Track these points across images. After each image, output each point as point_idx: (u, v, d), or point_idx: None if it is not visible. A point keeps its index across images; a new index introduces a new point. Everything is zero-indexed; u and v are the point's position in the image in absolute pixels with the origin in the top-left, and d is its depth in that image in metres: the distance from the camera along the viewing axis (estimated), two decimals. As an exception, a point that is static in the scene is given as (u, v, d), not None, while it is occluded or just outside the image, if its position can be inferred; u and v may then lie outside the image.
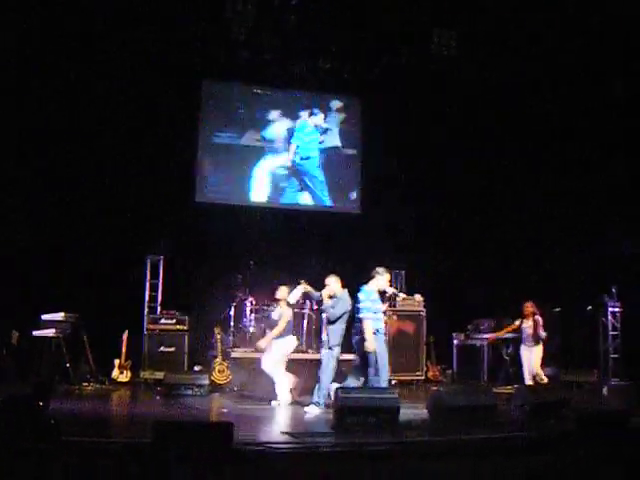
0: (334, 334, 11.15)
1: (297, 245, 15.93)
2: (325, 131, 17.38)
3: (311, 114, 17.26)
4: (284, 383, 11.69)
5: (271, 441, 8.57)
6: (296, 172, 17.11)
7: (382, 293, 11.48)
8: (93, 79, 14.74)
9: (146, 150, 15.17)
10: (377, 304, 11.09)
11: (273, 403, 11.47)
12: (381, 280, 11.20)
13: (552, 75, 15.53)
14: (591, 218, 15.38)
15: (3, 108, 13.71)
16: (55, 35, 14.00)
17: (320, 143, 17.34)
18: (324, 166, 17.29)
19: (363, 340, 10.69)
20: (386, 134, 16.75)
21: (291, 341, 12.07)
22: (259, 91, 16.94)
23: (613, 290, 14.69)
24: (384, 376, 10.86)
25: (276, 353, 11.79)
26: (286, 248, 15.69)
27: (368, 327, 10.67)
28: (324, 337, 11.73)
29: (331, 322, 11.23)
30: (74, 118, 14.64)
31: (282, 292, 12.17)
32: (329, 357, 11.12)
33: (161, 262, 15.08)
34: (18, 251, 13.82)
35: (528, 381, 12.72)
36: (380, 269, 11.22)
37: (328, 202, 17.26)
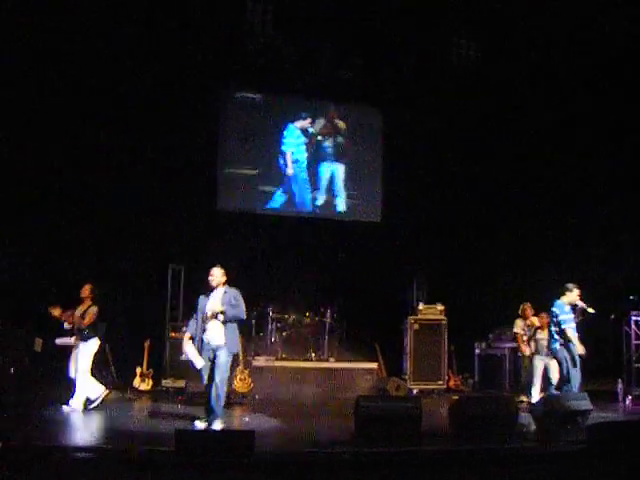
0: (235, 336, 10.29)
1: (317, 254, 15.90)
2: (343, 139, 17.45)
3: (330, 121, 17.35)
4: (88, 389, 11.18)
5: (292, 450, 8.59)
6: (314, 180, 17.18)
7: (573, 307, 11.92)
8: (115, 88, 14.81)
9: (168, 159, 15.26)
10: (570, 316, 11.70)
11: (65, 408, 10.94)
12: (571, 295, 11.82)
13: (573, 82, 15.52)
14: (614, 224, 15.36)
15: (32, 119, 13.90)
16: (77, 40, 14.12)
17: (340, 151, 17.38)
18: (344, 175, 17.33)
19: (563, 346, 11.46)
20: (407, 143, 16.75)
21: (95, 344, 11.39)
22: (279, 100, 17.04)
23: (636, 299, 14.59)
24: (575, 383, 11.35)
25: (82, 357, 11.26)
26: (304, 257, 15.69)
27: (573, 335, 11.47)
28: (222, 339, 9.96)
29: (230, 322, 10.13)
30: (98, 127, 14.72)
31: (85, 290, 11.58)
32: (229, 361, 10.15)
33: (183, 271, 15.12)
34: (42, 259, 13.93)
35: (536, 392, 12.68)
36: (570, 285, 11.85)
37: (346, 210, 17.32)
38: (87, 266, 14.27)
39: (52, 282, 13.79)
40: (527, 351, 13.38)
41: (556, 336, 11.65)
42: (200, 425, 9.60)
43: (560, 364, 11.61)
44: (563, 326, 11.53)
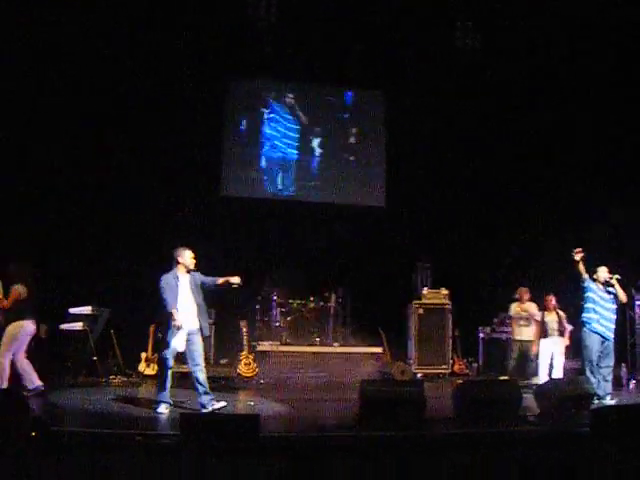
0: None
1: (321, 239, 15.90)
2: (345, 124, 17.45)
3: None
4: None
5: (297, 434, 8.63)
6: (319, 166, 17.18)
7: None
8: (120, 75, 14.82)
9: (173, 145, 15.27)
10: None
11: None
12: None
13: (578, 65, 15.52)
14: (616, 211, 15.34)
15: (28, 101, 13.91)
16: (81, 31, 14.12)
17: (342, 137, 17.39)
18: (347, 160, 17.34)
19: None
20: (410, 127, 16.73)
21: (26, 325, 10.48)
22: (282, 86, 17.04)
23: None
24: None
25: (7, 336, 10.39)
26: (309, 242, 15.71)
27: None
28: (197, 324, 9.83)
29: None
30: (102, 113, 14.75)
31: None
32: None
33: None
34: (48, 245, 13.96)
35: (544, 375, 12.67)
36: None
37: (350, 195, 17.30)
38: (92, 251, 14.34)
39: (57, 267, 13.83)
40: (518, 335, 13.56)
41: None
42: (219, 404, 9.63)
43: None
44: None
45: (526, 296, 13.68)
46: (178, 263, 9.89)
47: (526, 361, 13.44)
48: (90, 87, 14.57)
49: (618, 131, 15.58)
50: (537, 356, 12.95)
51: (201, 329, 9.80)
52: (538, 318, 13.14)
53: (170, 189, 15.21)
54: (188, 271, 9.89)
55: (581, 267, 11.44)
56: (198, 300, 9.85)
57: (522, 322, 13.71)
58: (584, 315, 11.47)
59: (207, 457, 6.58)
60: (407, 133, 16.82)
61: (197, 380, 9.64)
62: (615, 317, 11.55)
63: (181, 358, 10.05)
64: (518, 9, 14.76)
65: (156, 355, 13.67)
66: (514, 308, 13.81)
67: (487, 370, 15.17)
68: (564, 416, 9.69)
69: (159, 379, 9.81)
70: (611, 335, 11.43)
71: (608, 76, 15.31)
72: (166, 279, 9.76)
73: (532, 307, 13.55)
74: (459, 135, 16.84)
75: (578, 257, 11.35)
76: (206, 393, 9.65)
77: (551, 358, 12.77)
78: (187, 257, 9.92)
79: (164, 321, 9.71)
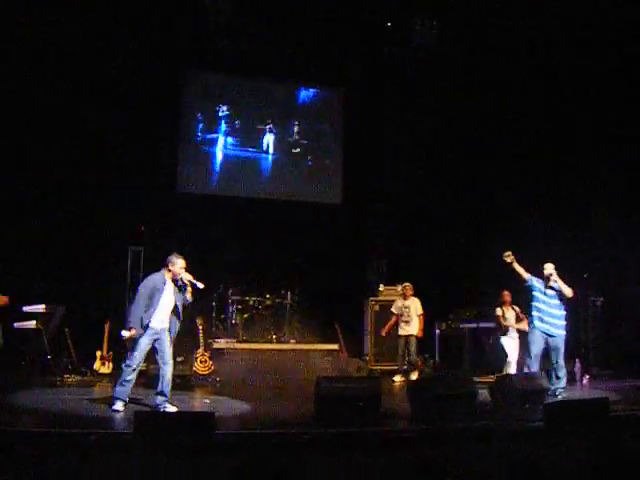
0: None
1: (277, 236, 15.88)
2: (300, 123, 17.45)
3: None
4: None
5: (253, 432, 8.61)
6: (274, 163, 17.16)
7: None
8: (73, 68, 14.62)
9: (127, 140, 15.14)
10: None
11: None
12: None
13: (535, 64, 15.63)
14: (571, 202, 15.57)
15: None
16: (31, 22, 13.92)
17: (298, 134, 17.37)
18: (303, 158, 17.35)
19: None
20: (368, 125, 16.79)
21: None
22: (238, 82, 16.97)
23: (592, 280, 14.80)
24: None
25: None
26: (265, 239, 15.68)
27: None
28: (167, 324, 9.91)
29: None
30: (53, 108, 14.54)
31: None
32: None
33: (142, 253, 15.03)
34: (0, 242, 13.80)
35: (512, 370, 12.78)
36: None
37: (306, 191, 17.28)
38: (45, 248, 14.17)
39: (9, 265, 13.65)
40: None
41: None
42: (172, 408, 9.55)
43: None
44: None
45: (508, 299, 13.58)
46: (168, 270, 9.87)
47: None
48: (42, 81, 14.35)
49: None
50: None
51: (170, 329, 9.81)
52: (517, 327, 13.20)
53: (125, 186, 15.05)
54: (174, 279, 9.85)
55: (517, 268, 11.55)
56: (178, 304, 9.88)
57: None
58: (531, 313, 11.61)
59: (162, 455, 6.54)
60: (365, 129, 16.87)
61: (163, 378, 9.62)
62: (563, 312, 11.62)
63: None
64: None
65: (111, 353, 13.60)
66: (498, 311, 13.73)
67: (443, 366, 15.24)
68: (518, 411, 9.79)
69: (121, 376, 9.72)
70: (557, 331, 11.52)
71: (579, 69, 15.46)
72: (153, 280, 9.80)
73: (512, 317, 13.49)
74: (416, 132, 16.88)
75: (509, 259, 11.46)
76: (162, 394, 9.59)
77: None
78: (178, 266, 9.88)
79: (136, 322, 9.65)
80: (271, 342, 14.56)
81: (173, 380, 10.29)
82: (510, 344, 13.08)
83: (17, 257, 13.89)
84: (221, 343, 14.03)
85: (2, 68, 13.80)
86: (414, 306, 13.87)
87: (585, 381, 13.87)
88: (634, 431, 8.56)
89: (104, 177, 14.95)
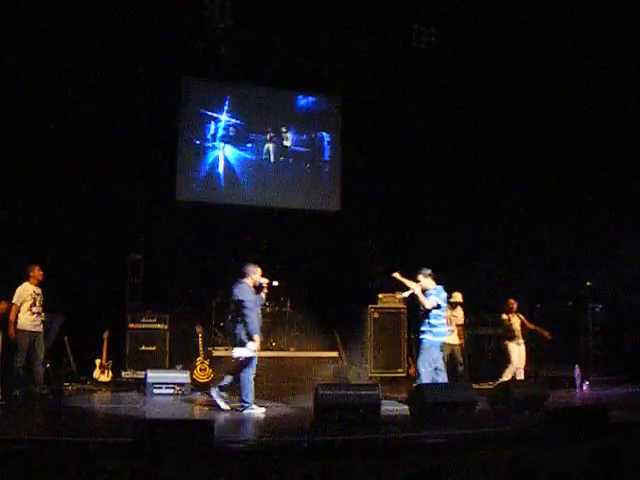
0: None
1: (277, 244, 15.87)
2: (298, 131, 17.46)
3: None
4: None
5: (252, 439, 8.60)
6: (274, 171, 17.15)
7: None
8: (72, 76, 14.62)
9: (127, 148, 15.14)
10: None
11: None
12: None
13: (533, 67, 15.69)
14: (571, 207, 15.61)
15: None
16: (32, 30, 13.94)
17: (296, 141, 17.38)
18: (302, 165, 17.35)
19: None
20: (366, 131, 16.81)
21: None
22: (238, 90, 16.98)
23: (593, 287, 14.82)
24: None
25: None
26: (264, 246, 15.64)
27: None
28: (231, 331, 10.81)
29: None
30: (51, 115, 14.54)
31: None
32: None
33: (142, 261, 15.03)
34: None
35: (509, 377, 12.78)
36: None
37: (305, 201, 17.29)
38: (45, 257, 14.15)
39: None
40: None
41: None
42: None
43: None
44: None
45: (514, 306, 13.53)
46: (250, 279, 10.64)
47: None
48: (42, 88, 14.36)
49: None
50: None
51: None
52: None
53: (124, 193, 15.05)
54: (254, 286, 10.60)
55: (409, 283, 11.61)
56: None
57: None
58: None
59: (161, 463, 6.54)
60: (363, 136, 16.88)
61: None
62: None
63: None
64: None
65: (111, 361, 13.60)
66: (504, 317, 13.69)
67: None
68: (518, 417, 9.79)
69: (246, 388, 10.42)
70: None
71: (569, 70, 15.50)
72: (249, 292, 10.57)
73: (517, 324, 13.46)
74: (416, 139, 16.90)
75: (398, 277, 11.68)
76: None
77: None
78: (259, 274, 10.72)
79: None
80: (270, 350, 14.53)
81: (173, 388, 10.38)
82: (515, 350, 13.08)
83: (16, 264, 13.88)
84: (220, 351, 14.01)
85: (2, 74, 13.86)
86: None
87: (585, 387, 13.88)
88: (633, 438, 8.55)
89: (103, 184, 14.93)
